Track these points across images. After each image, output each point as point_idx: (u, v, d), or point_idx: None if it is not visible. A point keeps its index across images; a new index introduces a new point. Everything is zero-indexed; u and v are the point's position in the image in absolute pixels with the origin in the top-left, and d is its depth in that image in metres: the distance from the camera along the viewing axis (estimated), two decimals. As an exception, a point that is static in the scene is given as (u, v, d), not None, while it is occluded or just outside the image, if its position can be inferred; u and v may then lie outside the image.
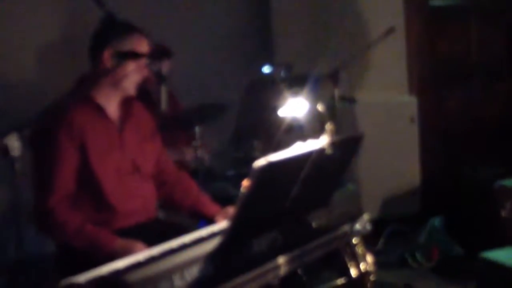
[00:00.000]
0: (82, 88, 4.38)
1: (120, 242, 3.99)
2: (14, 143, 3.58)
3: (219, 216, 4.30)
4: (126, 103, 4.54)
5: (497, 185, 6.42)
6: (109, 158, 4.32)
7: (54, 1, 6.91)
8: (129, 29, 4.42)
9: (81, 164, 4.20)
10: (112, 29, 4.42)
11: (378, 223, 7.10)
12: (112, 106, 4.43)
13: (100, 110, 4.35)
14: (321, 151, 3.50)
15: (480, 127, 8.45)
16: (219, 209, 4.51)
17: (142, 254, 3.54)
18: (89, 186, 4.24)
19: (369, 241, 6.42)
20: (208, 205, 4.58)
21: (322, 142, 3.52)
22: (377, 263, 6.00)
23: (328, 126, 3.62)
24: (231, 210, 4.15)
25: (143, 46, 4.39)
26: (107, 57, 4.30)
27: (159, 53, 5.82)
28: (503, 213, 6.33)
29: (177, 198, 4.70)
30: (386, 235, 7.40)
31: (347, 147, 3.80)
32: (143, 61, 4.39)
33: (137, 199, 4.44)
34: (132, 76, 4.35)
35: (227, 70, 7.59)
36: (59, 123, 4.11)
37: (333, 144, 3.54)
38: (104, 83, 4.34)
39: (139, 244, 3.93)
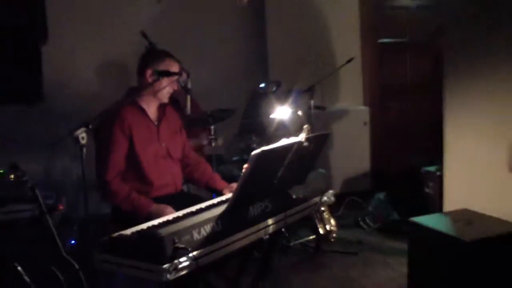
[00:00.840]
0: (130, 96, 4.42)
1: (155, 206, 4.05)
2: (82, 135, 3.59)
3: (226, 190, 4.31)
4: (161, 108, 4.60)
5: (423, 170, 6.43)
6: (149, 146, 4.37)
7: (112, 33, 6.91)
8: (164, 55, 4.48)
9: (129, 150, 4.27)
10: (152, 55, 4.53)
11: (339, 196, 7.08)
12: (151, 109, 4.50)
13: (143, 112, 4.42)
14: (300, 143, 3.49)
15: (412, 128, 8.44)
16: (227, 184, 4.54)
17: (171, 215, 3.54)
18: (134, 166, 4.30)
19: (333, 209, 6.44)
20: (219, 181, 4.63)
21: (300, 137, 3.51)
22: (339, 225, 6.01)
23: (305, 126, 3.61)
24: (235, 185, 4.15)
25: (174, 67, 4.44)
26: (149, 75, 4.36)
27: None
28: (427, 190, 6.34)
29: (197, 176, 4.74)
30: (345, 204, 7.37)
31: (318, 141, 3.77)
32: (174, 78, 4.41)
33: (168, 176, 4.48)
34: (166, 89, 4.40)
35: (234, 84, 7.56)
36: (115, 120, 4.16)
37: (308, 139, 3.53)
38: (146, 93, 4.38)
39: (168, 208, 3.99)
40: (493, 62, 4.72)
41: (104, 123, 4.18)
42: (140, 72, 4.44)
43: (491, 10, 4.59)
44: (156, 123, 4.50)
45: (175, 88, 4.51)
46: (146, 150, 4.34)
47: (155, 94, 4.41)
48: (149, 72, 4.37)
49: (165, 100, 4.51)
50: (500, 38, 4.57)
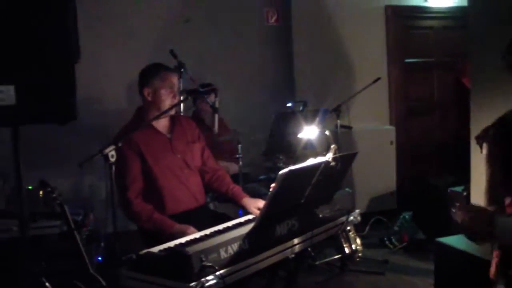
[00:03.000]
0: (138, 116, 4.43)
1: (177, 227, 3.98)
2: (112, 153, 3.59)
3: (253, 208, 4.23)
4: (173, 119, 4.55)
5: (449, 191, 6.37)
6: (163, 160, 4.32)
7: (142, 52, 6.96)
8: (157, 68, 4.42)
9: (143, 166, 4.24)
10: (146, 72, 4.43)
11: (365, 215, 7.08)
12: (161, 123, 4.43)
13: (152, 128, 4.36)
14: (327, 163, 3.48)
15: (439, 148, 8.41)
16: (247, 197, 4.39)
17: (198, 233, 3.54)
18: (150, 182, 4.26)
19: (358, 228, 6.41)
20: (238, 192, 4.47)
21: (327, 157, 3.50)
22: (364, 244, 5.97)
23: (332, 146, 3.60)
24: (260, 202, 4.13)
25: (170, 77, 4.39)
26: (147, 93, 4.36)
27: (208, 89, 5.82)
28: (453, 210, 6.28)
29: (216, 186, 4.60)
30: (371, 224, 7.33)
31: (345, 161, 3.76)
32: (172, 90, 4.36)
33: (186, 188, 4.41)
34: (168, 101, 4.34)
35: (261, 104, 7.57)
36: (126, 141, 4.09)
37: (335, 159, 3.52)
38: (152, 110, 4.34)
39: (191, 228, 3.90)
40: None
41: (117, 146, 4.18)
42: (140, 92, 4.41)
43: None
44: (168, 135, 4.44)
45: (175, 99, 4.40)
46: (160, 164, 4.29)
47: (159, 109, 4.30)
48: (147, 90, 4.35)
49: (171, 112, 4.42)
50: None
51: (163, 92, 4.33)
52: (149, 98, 4.35)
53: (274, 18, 7.96)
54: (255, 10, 7.89)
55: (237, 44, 7.70)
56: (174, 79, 4.43)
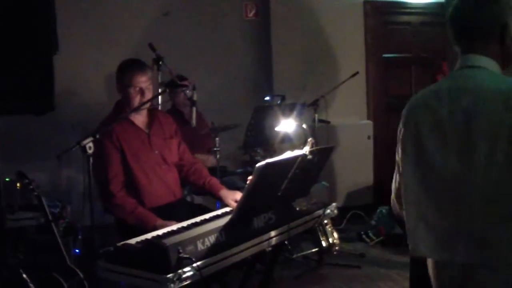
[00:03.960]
0: (117, 110, 4.45)
1: (160, 221, 3.98)
2: (89, 145, 3.61)
3: (230, 200, 4.25)
4: (152, 114, 4.56)
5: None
6: (141, 155, 4.34)
7: (121, 45, 6.95)
8: (125, 67, 4.45)
9: (122, 161, 4.26)
10: (118, 70, 4.46)
11: (343, 210, 7.14)
12: (139, 118, 4.46)
13: (131, 122, 4.39)
14: (304, 156, 3.50)
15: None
16: (225, 189, 4.41)
17: (176, 226, 3.55)
18: (127, 177, 4.27)
19: (336, 222, 6.46)
20: (216, 184, 4.48)
21: (304, 151, 3.52)
22: (341, 238, 6.02)
23: (309, 140, 3.62)
24: (237, 194, 4.15)
25: (136, 76, 4.37)
26: (119, 89, 4.41)
27: (185, 82, 5.83)
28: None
29: (193, 179, 4.60)
30: (348, 218, 7.38)
31: (322, 154, 3.78)
32: (139, 90, 4.36)
33: (164, 183, 4.43)
34: (136, 99, 4.35)
35: (239, 98, 7.59)
36: (104, 134, 4.11)
37: (312, 152, 3.54)
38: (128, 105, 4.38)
39: (173, 223, 3.92)
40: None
41: (97, 138, 4.18)
42: (119, 84, 4.45)
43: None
44: (146, 131, 4.46)
45: (146, 96, 4.40)
46: (139, 159, 4.32)
47: (130, 106, 4.35)
48: (118, 87, 4.40)
49: (146, 106, 4.44)
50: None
51: (130, 91, 4.35)
52: (121, 94, 4.41)
53: (253, 12, 7.97)
54: (234, 4, 7.89)
55: (216, 38, 7.70)
56: (142, 78, 4.39)
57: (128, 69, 4.41)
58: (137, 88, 4.35)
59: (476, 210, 2.35)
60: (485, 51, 2.46)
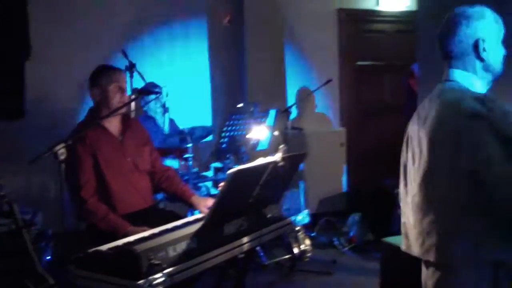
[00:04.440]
0: (91, 117, 4.44)
1: (132, 228, 3.99)
2: (61, 151, 3.61)
3: (202, 207, 4.28)
4: (125, 121, 4.56)
5: (396, 192, 6.46)
6: (113, 161, 4.35)
7: (94, 51, 6.93)
8: (104, 69, 4.47)
9: (95, 168, 4.26)
10: (94, 74, 4.46)
11: (315, 216, 7.17)
12: (113, 124, 4.46)
13: (104, 129, 4.39)
14: (275, 163, 3.52)
15: (389, 150, 8.48)
16: (196, 195, 4.48)
17: (147, 232, 3.57)
18: (101, 184, 4.28)
19: (308, 228, 6.48)
20: (187, 191, 4.54)
21: (276, 157, 3.55)
22: (313, 244, 6.02)
23: (281, 146, 3.65)
24: (209, 201, 4.17)
25: (116, 76, 4.43)
26: (95, 93, 4.41)
27: (158, 89, 5.84)
28: (399, 211, 6.38)
29: (165, 186, 4.65)
30: (320, 224, 7.41)
31: (294, 161, 3.81)
32: (120, 88, 4.40)
33: (136, 190, 4.45)
34: (116, 98, 4.37)
35: (212, 104, 7.60)
36: (77, 140, 4.12)
37: (284, 159, 3.57)
38: (103, 110, 4.37)
39: (145, 229, 3.92)
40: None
41: (69, 144, 4.18)
42: (90, 93, 4.44)
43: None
44: (120, 138, 4.47)
45: (125, 97, 4.45)
46: (111, 166, 4.32)
47: (109, 108, 4.34)
48: (95, 90, 4.39)
49: (123, 110, 4.45)
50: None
51: (111, 89, 4.35)
52: (98, 98, 4.39)
53: (227, 19, 7.99)
54: (208, 11, 7.91)
55: (189, 44, 7.71)
56: (122, 77, 4.46)
57: (107, 69, 4.46)
58: (118, 86, 4.37)
59: None
60: (462, 66, 2.77)
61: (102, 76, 4.39)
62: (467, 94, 2.66)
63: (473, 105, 2.54)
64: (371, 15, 8.67)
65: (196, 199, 4.41)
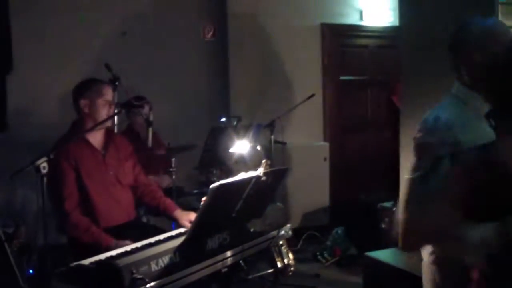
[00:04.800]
0: (74, 130, 4.44)
1: (114, 242, 4.00)
2: (43, 164, 3.61)
3: (185, 221, 4.29)
4: (108, 135, 4.57)
5: (379, 206, 6.52)
6: (96, 175, 4.35)
7: (77, 64, 6.93)
8: (92, 82, 4.47)
9: (77, 181, 4.26)
10: (81, 86, 4.46)
11: (298, 230, 7.19)
12: (96, 138, 4.47)
13: (87, 143, 4.40)
14: (258, 178, 3.54)
15: (372, 164, 8.55)
16: (179, 210, 4.48)
17: (130, 246, 3.56)
18: (84, 197, 4.28)
19: (291, 242, 6.49)
20: (170, 205, 4.55)
21: (259, 171, 3.57)
22: (296, 259, 6.03)
23: (264, 161, 3.67)
24: (192, 215, 4.18)
25: (104, 90, 4.44)
26: (83, 105, 4.39)
27: (142, 103, 5.84)
28: (383, 225, 6.42)
29: (147, 200, 4.66)
30: (304, 239, 7.43)
31: (277, 176, 3.83)
32: (108, 102, 4.41)
33: (118, 204, 4.46)
34: (104, 111, 4.39)
35: (196, 118, 7.60)
36: (60, 154, 4.13)
37: (266, 174, 3.59)
38: (88, 123, 4.37)
39: (127, 243, 3.93)
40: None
41: (52, 157, 4.19)
42: (75, 105, 4.43)
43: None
44: (102, 152, 4.48)
45: (111, 110, 4.47)
46: (94, 180, 4.33)
47: (95, 121, 4.34)
48: (83, 102, 4.37)
49: (108, 123, 4.49)
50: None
51: (100, 102, 4.37)
52: (86, 110, 4.38)
53: (211, 33, 8.01)
54: (192, 24, 7.92)
55: (173, 58, 7.71)
56: (109, 91, 4.49)
57: (96, 82, 4.47)
58: (106, 100, 4.40)
59: None
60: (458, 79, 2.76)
61: (92, 89, 4.40)
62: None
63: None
64: (354, 30, 8.70)
65: (178, 213, 4.41)
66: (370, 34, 8.79)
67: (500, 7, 4.48)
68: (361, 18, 8.65)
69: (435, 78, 4.95)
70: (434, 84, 4.98)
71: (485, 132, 2.16)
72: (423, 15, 5.07)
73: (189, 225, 4.02)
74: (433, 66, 4.80)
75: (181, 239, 3.34)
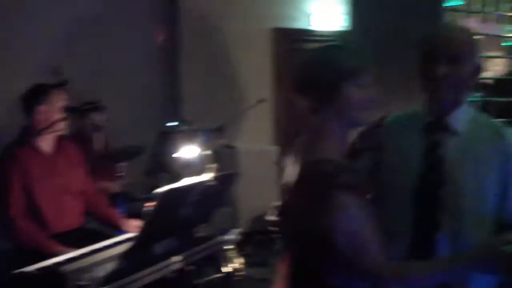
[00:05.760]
0: (25, 136, 4.37)
1: (60, 248, 3.95)
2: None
3: (130, 227, 4.27)
4: (59, 142, 4.51)
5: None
6: (44, 182, 4.29)
7: (23, 67, 6.82)
8: (48, 89, 4.41)
9: (25, 187, 4.20)
10: (38, 91, 4.41)
11: (248, 234, 7.18)
12: (46, 143, 4.40)
13: (36, 148, 4.34)
14: (206, 182, 3.55)
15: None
16: (125, 220, 4.49)
17: (75, 252, 3.54)
18: (31, 203, 4.22)
19: (241, 246, 6.48)
20: (113, 216, 4.57)
21: (207, 176, 3.58)
22: (246, 263, 6.05)
23: (212, 166, 3.68)
24: (137, 221, 4.16)
25: (59, 97, 4.39)
26: (35, 111, 4.31)
27: (91, 107, 5.81)
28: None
29: (91, 210, 4.66)
30: (253, 242, 7.44)
31: (225, 180, 3.85)
32: (60, 108, 4.36)
33: (67, 212, 4.40)
34: (56, 118, 4.34)
35: (147, 122, 7.56)
36: (7, 159, 4.11)
37: (215, 178, 3.60)
38: (38, 128, 4.32)
39: (73, 250, 3.90)
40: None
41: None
42: (26, 111, 4.36)
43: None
44: (52, 158, 4.43)
45: (62, 116, 4.40)
46: (42, 186, 4.27)
47: (49, 126, 4.29)
48: (38, 108, 4.31)
49: (59, 128, 4.42)
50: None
51: (54, 109, 4.32)
52: (40, 116, 4.31)
53: (163, 36, 8.00)
54: (143, 27, 7.89)
55: (124, 62, 7.66)
56: (63, 96, 4.43)
57: (49, 89, 4.40)
58: (60, 106, 4.35)
59: None
60: None
61: (47, 95, 4.34)
62: None
63: None
64: (304, 34, 8.74)
65: (123, 221, 4.41)
66: (318, 38, 8.84)
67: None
68: (310, 22, 8.72)
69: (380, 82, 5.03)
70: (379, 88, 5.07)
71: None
72: (372, 20, 5.13)
73: (135, 230, 4.01)
74: (379, 70, 4.88)
75: (127, 245, 3.33)
